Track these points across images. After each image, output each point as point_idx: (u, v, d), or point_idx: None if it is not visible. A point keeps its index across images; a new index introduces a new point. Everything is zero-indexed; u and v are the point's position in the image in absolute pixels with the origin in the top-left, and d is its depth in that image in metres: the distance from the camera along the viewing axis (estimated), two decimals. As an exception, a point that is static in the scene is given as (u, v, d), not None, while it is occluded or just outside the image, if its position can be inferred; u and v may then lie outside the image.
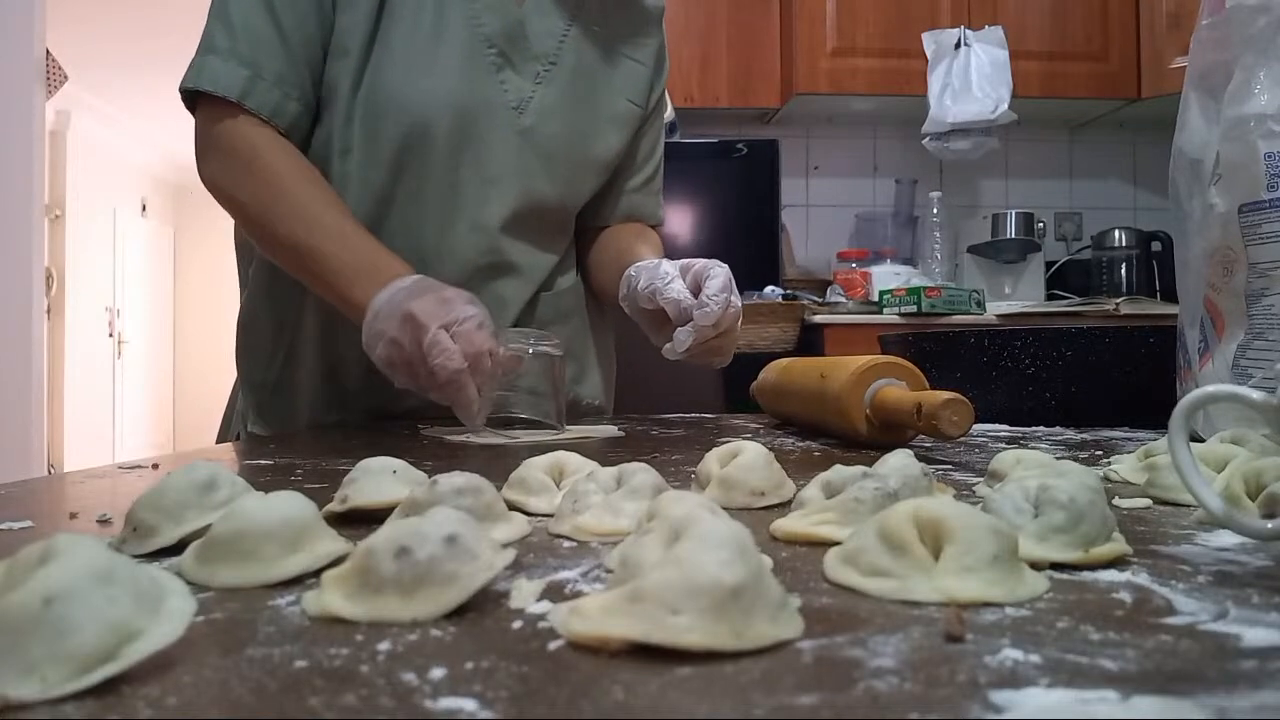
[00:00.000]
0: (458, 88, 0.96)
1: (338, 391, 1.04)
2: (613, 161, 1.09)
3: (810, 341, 2.49)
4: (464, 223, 0.99)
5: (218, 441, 1.14)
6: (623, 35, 1.07)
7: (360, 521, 0.42)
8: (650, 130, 1.14)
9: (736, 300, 0.86)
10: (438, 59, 0.96)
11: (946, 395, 0.64)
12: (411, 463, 0.47)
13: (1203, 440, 0.58)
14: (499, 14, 0.98)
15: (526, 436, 0.84)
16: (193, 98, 0.94)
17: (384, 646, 0.26)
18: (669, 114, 1.36)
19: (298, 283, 0.96)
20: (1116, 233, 2.90)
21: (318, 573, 0.32)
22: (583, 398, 1.12)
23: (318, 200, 0.91)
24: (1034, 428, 0.91)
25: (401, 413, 1.04)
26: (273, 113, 0.91)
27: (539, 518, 0.45)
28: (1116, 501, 0.49)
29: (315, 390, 1.04)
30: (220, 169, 0.93)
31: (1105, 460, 0.64)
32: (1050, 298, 2.86)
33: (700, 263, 0.87)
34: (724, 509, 0.37)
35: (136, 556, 0.36)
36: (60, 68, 3.22)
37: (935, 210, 2.89)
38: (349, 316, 0.87)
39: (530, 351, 0.86)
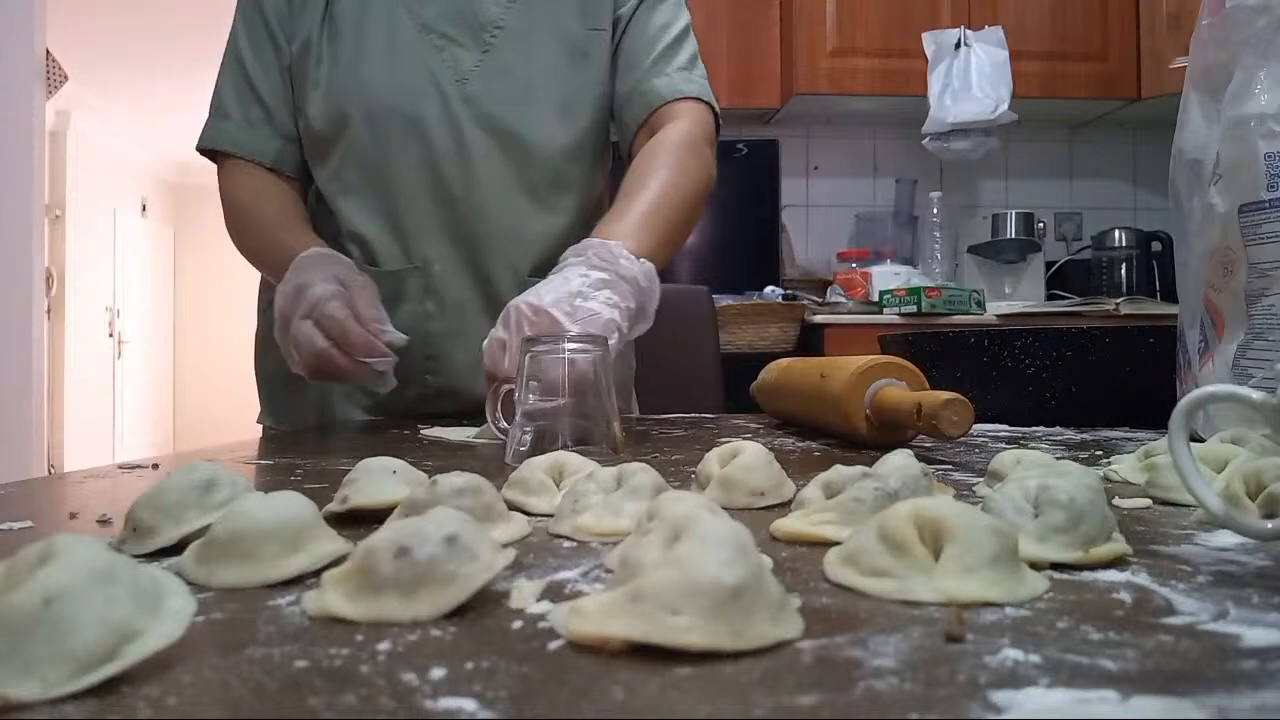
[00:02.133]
0: (393, 70, 1.01)
1: (342, 386, 1.06)
2: (593, 96, 1.08)
3: (810, 341, 2.49)
4: (433, 201, 1.04)
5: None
6: None
7: (360, 521, 0.42)
8: (645, 21, 1.08)
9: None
10: (378, 51, 1.02)
11: (946, 395, 0.64)
12: (411, 463, 0.47)
13: (1203, 440, 0.58)
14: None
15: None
16: (213, 160, 1.09)
17: (384, 646, 0.26)
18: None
19: None
20: (1116, 233, 2.90)
21: (318, 573, 0.32)
22: None
23: (265, 212, 1.03)
24: (1034, 428, 0.90)
25: (403, 409, 1.05)
26: (251, 151, 1.05)
27: (539, 518, 0.45)
28: (1116, 501, 0.49)
29: (323, 387, 1.07)
30: (226, 215, 1.07)
31: (1105, 460, 0.64)
32: (1050, 298, 2.86)
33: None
34: (724, 509, 0.37)
35: (136, 556, 0.36)
36: (60, 68, 3.21)
37: (935, 210, 2.89)
38: None
39: (564, 353, 0.68)
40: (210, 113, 1.08)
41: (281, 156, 1.06)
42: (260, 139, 1.05)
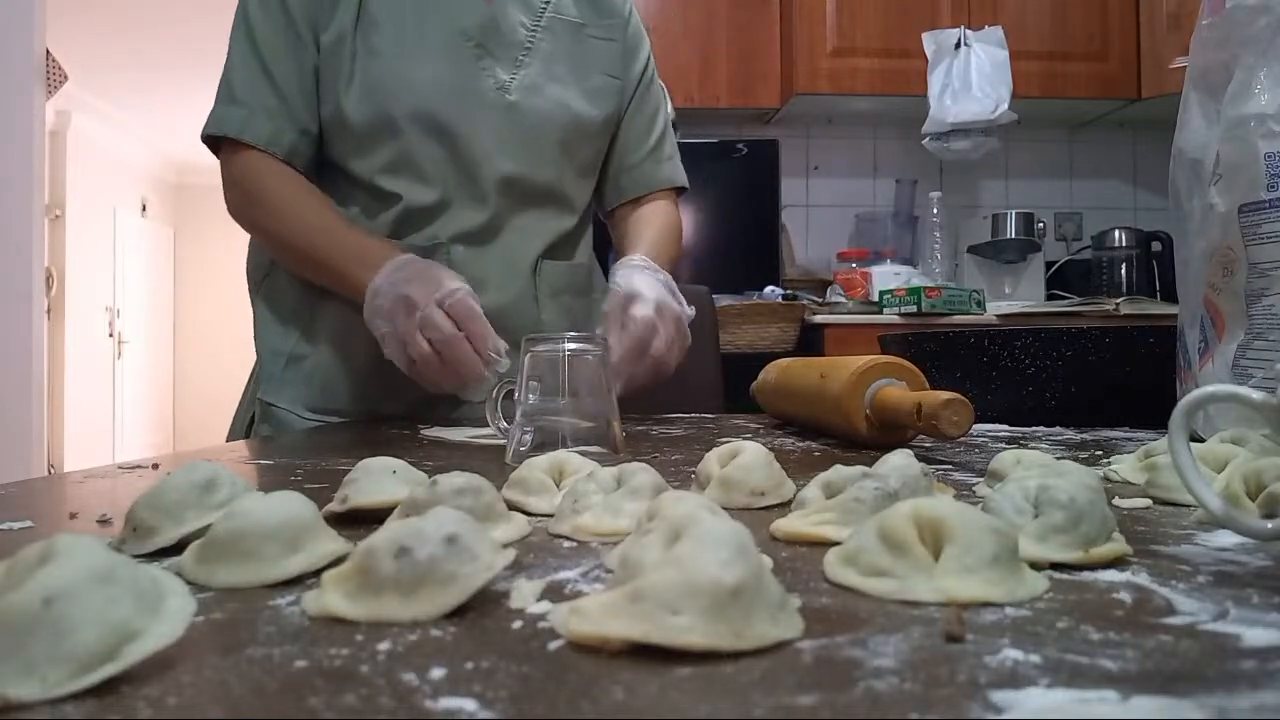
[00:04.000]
0: (441, 71, 1.05)
1: (345, 377, 1.08)
2: (600, 130, 1.16)
3: (810, 341, 2.49)
4: (460, 192, 1.07)
5: (230, 433, 1.18)
6: (589, 20, 1.16)
7: (360, 521, 0.42)
8: (643, 108, 1.22)
9: (649, 358, 0.93)
10: (420, 51, 1.05)
11: (946, 395, 0.64)
12: (411, 463, 0.47)
13: (1203, 440, 0.58)
14: (471, 12, 1.07)
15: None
16: (214, 146, 1.08)
17: (384, 646, 0.26)
18: (669, 113, 1.39)
19: None
20: (1116, 233, 2.90)
21: (318, 573, 0.32)
22: None
23: (305, 206, 1.04)
24: (1034, 428, 0.90)
25: (404, 409, 1.05)
26: (268, 142, 1.03)
27: (539, 518, 0.45)
28: (1116, 501, 0.49)
29: (325, 369, 1.09)
30: (234, 199, 1.07)
31: (1105, 460, 0.64)
32: (1050, 298, 2.85)
33: (630, 314, 0.93)
34: (724, 509, 0.37)
35: (136, 556, 0.36)
36: (60, 68, 3.21)
37: (935, 210, 2.88)
38: (353, 299, 0.97)
39: (565, 351, 0.69)
40: (219, 99, 1.05)
41: (295, 150, 1.05)
42: (278, 130, 1.03)
